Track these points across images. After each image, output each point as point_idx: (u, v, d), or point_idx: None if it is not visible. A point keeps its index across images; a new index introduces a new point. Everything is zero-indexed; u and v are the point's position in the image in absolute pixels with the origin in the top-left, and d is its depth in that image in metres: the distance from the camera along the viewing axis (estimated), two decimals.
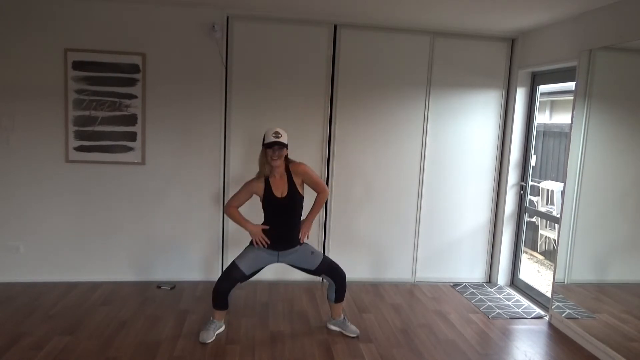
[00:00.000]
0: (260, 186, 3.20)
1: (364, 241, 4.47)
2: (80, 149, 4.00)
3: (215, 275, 4.30)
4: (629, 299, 3.21)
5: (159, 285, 4.14)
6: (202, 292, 4.04)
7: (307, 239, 3.37)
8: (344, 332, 3.38)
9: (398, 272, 4.57)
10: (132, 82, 4.00)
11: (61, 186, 4.04)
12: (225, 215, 3.23)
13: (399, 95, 4.35)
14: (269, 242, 3.23)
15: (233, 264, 3.23)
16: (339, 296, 3.36)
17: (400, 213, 4.50)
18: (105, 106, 4.00)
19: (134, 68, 3.99)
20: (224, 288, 3.21)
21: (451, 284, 4.58)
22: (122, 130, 4.04)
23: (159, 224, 4.20)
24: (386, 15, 3.94)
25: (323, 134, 4.31)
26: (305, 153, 4.28)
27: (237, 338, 3.25)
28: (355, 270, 4.47)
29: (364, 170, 4.40)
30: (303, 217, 3.36)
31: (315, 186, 3.32)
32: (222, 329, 3.31)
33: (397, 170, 4.44)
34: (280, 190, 3.19)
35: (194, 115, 4.12)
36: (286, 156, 3.21)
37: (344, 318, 3.43)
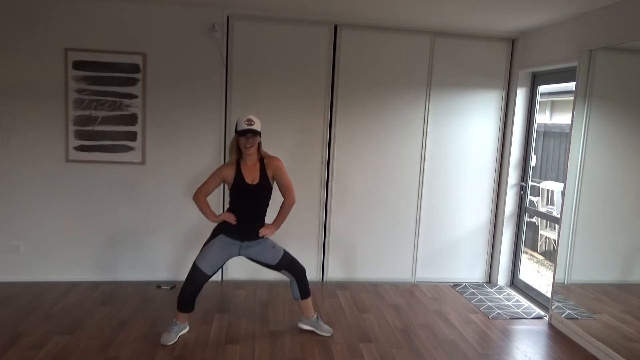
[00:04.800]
0: (231, 172, 3.13)
1: (364, 241, 4.47)
2: (80, 148, 4.01)
3: (216, 275, 4.30)
4: (630, 299, 3.21)
5: (159, 285, 4.14)
6: (201, 291, 4.02)
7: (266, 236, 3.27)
8: (316, 331, 3.35)
9: (398, 272, 4.57)
10: (132, 82, 4.00)
11: (61, 186, 4.04)
12: (194, 201, 3.19)
13: (399, 95, 4.35)
14: (236, 220, 3.15)
15: (194, 267, 3.15)
16: (303, 292, 3.30)
17: (401, 213, 4.50)
18: (106, 106, 4.00)
19: (134, 68, 3.99)
20: (190, 294, 3.16)
21: (451, 284, 4.58)
22: (123, 129, 4.04)
23: (159, 224, 4.20)
24: (386, 15, 3.94)
25: (323, 134, 4.30)
26: (305, 152, 4.29)
27: (237, 338, 3.26)
28: (355, 270, 4.48)
29: (364, 169, 4.40)
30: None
31: (283, 187, 3.26)
32: (186, 330, 3.27)
33: (397, 170, 4.44)
34: (251, 177, 3.14)
35: (195, 114, 4.12)
36: (259, 145, 3.18)
37: (317, 317, 3.39)
